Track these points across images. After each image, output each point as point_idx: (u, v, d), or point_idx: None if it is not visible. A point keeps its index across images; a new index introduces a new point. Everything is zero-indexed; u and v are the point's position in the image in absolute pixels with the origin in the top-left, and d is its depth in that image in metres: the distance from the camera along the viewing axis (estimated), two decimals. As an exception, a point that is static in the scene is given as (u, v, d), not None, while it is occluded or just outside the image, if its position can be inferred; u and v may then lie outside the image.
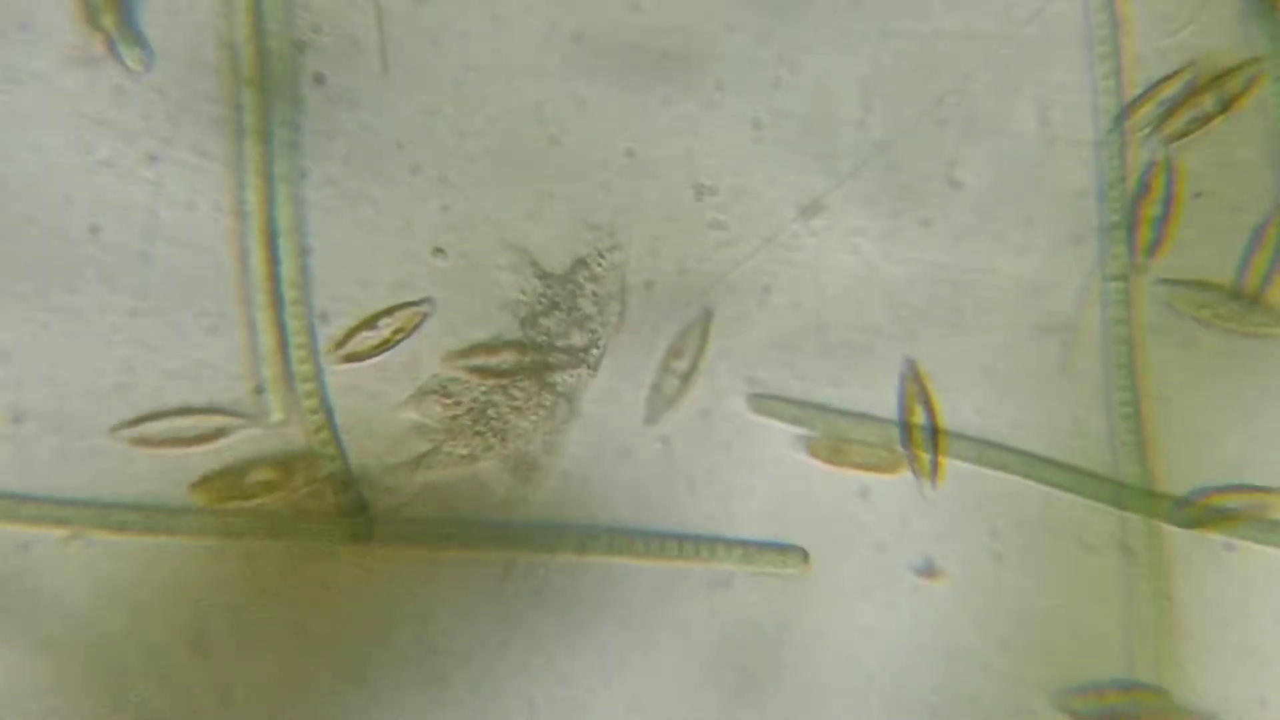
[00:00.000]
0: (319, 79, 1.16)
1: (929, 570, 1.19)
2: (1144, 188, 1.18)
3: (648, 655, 1.18)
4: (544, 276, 1.18)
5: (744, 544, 1.19)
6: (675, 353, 1.18)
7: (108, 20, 1.14)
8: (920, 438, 1.18)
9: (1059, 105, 1.19)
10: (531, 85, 1.18)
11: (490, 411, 1.17)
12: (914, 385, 1.18)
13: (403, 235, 1.17)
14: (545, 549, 1.17)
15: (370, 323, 1.16)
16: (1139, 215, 1.18)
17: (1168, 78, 1.18)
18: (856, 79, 1.19)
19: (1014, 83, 1.19)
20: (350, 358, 1.17)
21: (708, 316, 1.18)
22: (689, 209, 1.19)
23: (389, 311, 1.17)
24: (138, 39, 1.14)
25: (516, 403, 1.18)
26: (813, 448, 1.19)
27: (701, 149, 1.19)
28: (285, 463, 1.16)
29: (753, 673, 1.19)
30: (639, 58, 1.18)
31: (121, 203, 1.15)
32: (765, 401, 1.18)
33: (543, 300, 1.18)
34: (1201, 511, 1.18)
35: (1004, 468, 1.19)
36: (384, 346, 1.17)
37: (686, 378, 1.18)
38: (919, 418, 1.18)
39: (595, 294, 1.18)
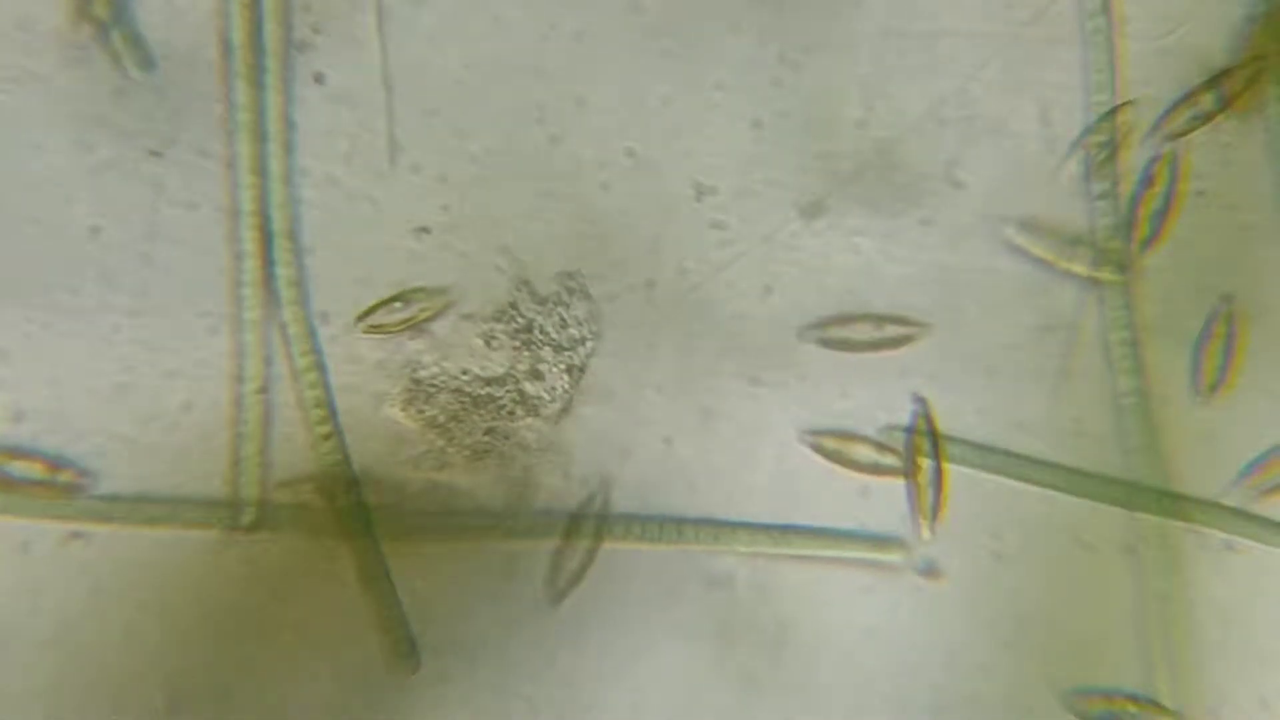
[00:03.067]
0: (319, 79, 1.16)
1: (929, 570, 1.19)
2: (1146, 182, 1.18)
3: (649, 655, 1.18)
4: (531, 282, 1.18)
5: (843, 533, 1.18)
6: (577, 528, 1.17)
7: (100, 10, 1.14)
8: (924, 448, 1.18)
9: (1059, 105, 1.19)
10: (531, 85, 1.18)
11: (486, 417, 1.17)
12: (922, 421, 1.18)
13: (403, 235, 1.17)
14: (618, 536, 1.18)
15: (401, 298, 1.16)
16: (1139, 211, 1.18)
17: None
18: (856, 79, 1.19)
19: (1014, 83, 1.19)
20: (374, 329, 1.16)
21: (607, 485, 1.17)
22: (689, 209, 1.19)
23: (413, 293, 1.16)
24: (138, 42, 1.14)
25: (512, 405, 1.18)
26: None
27: (701, 149, 1.19)
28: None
29: (753, 673, 1.19)
30: (639, 58, 1.18)
31: (122, 203, 1.15)
32: (894, 433, 1.18)
33: (538, 303, 1.18)
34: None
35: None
36: (410, 324, 1.16)
37: (591, 554, 1.17)
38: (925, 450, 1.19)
39: (586, 296, 1.18)
